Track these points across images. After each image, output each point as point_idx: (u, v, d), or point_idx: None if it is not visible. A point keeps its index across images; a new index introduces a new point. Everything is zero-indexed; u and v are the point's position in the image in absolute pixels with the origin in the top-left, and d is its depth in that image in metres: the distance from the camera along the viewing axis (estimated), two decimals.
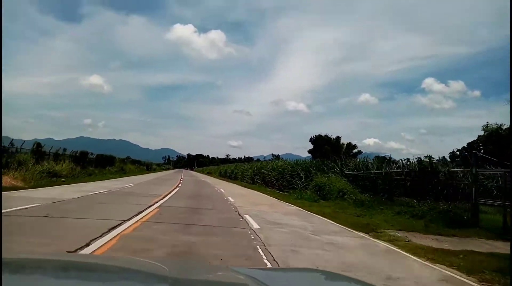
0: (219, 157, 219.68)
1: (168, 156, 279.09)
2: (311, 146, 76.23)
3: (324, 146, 62.13)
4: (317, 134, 66.64)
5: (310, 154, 67.11)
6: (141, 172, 51.69)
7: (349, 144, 67.95)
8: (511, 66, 1.97)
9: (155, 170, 74.65)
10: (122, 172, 37.89)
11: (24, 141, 27.35)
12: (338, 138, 65.78)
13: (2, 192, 11.64)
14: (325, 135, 65.92)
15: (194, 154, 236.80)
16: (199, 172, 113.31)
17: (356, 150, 67.67)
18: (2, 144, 22.50)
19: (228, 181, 43.29)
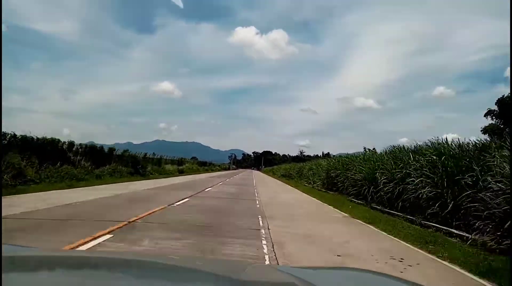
0: (291, 155, 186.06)
1: (234, 155, 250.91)
2: (483, 122, 36.04)
3: None
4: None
5: (485, 134, 26.06)
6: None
7: None
8: (511, 66, 1.52)
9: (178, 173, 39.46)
10: None
11: None
12: None
13: None
14: None
15: (261, 150, 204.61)
16: (267, 173, 76.38)
17: None
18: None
19: None
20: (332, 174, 22.89)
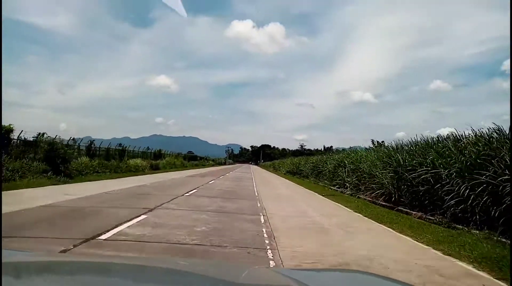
0: (290, 149, 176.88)
1: (231, 149, 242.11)
2: None
3: None
4: None
5: None
6: None
7: None
8: (511, 66, 1.67)
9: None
10: None
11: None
12: None
13: None
14: None
15: (258, 145, 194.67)
16: (267, 168, 65.32)
17: None
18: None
19: None
20: (415, 176, 11.26)
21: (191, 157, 60.06)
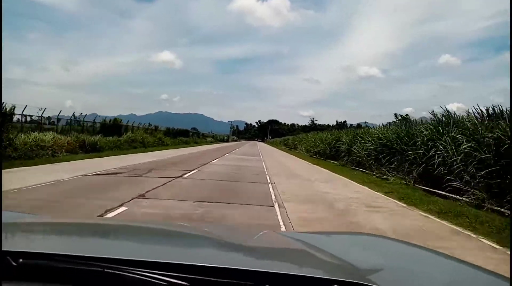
0: (299, 124, 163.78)
1: (236, 125, 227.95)
2: None
3: None
4: None
5: None
6: None
7: None
8: (511, 65, 1.82)
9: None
10: None
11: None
12: None
13: None
14: None
15: (264, 121, 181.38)
16: (278, 146, 50.62)
17: None
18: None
19: None
20: None
21: (178, 132, 44.91)
